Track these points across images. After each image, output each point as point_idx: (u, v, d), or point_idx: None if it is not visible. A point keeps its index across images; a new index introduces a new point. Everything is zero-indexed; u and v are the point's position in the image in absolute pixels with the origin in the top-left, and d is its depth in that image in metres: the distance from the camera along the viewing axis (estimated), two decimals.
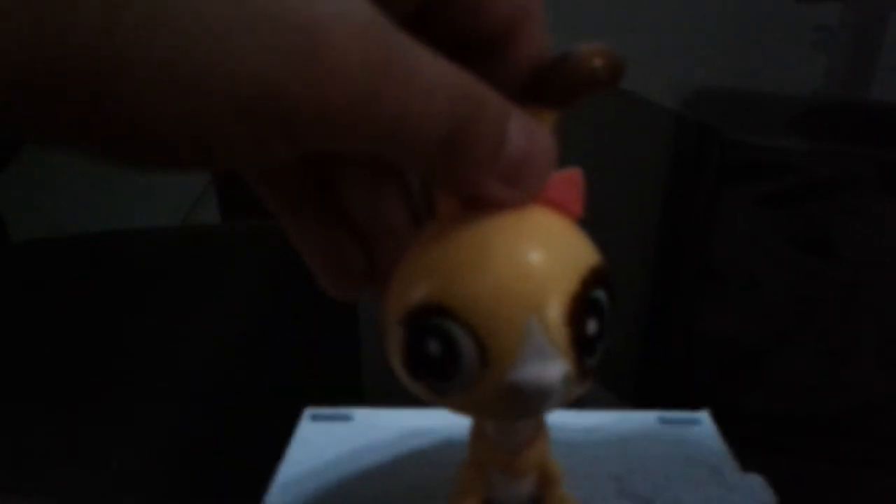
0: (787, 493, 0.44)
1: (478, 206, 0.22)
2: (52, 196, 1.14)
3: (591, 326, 0.22)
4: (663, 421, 0.34)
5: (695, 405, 0.51)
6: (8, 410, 0.43)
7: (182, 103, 0.16)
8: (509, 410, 0.23)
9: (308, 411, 0.34)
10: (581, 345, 0.22)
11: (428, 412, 0.33)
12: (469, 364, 0.21)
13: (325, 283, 0.24)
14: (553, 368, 0.21)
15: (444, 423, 0.30)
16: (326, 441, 0.32)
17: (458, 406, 0.23)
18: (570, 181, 0.23)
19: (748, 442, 0.53)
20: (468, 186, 0.20)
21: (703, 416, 0.34)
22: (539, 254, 0.22)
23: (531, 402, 0.22)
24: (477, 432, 0.27)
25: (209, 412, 0.43)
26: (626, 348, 0.88)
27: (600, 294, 0.22)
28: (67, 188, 1.22)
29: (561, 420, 0.27)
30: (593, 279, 0.22)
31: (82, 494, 0.39)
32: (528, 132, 0.20)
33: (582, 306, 0.22)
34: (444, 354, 0.21)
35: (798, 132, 0.74)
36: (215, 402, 0.44)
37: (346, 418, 0.34)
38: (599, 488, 0.29)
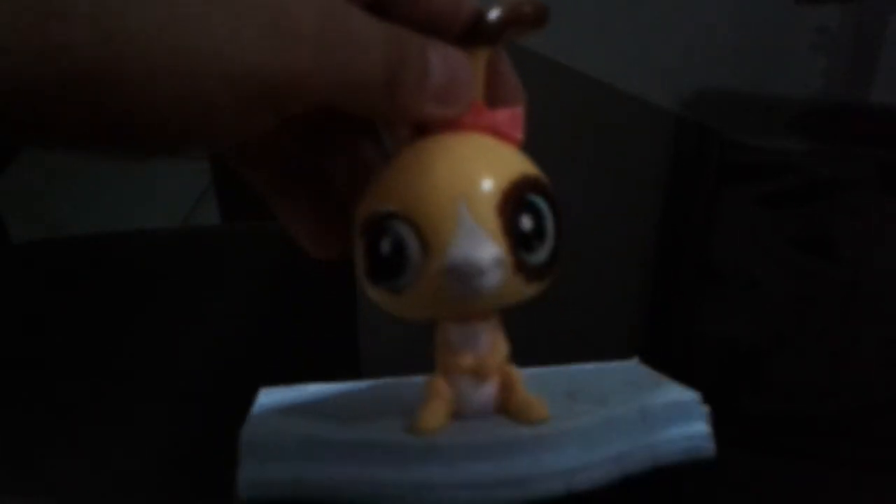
0: (787, 493, 0.44)
1: (427, 135, 0.25)
2: (52, 196, 1.14)
3: (526, 222, 0.25)
4: (598, 365, 0.37)
5: None
6: (8, 410, 0.43)
7: (180, 96, 0.18)
8: (452, 294, 0.26)
9: (262, 391, 0.36)
10: (514, 236, 0.25)
11: (382, 382, 0.35)
12: (413, 255, 0.25)
13: (310, 249, 0.28)
14: (484, 249, 0.24)
15: (397, 386, 0.33)
16: (287, 396, 0.34)
17: (413, 304, 0.26)
18: (510, 114, 0.27)
19: (748, 442, 0.53)
20: (411, 113, 0.24)
21: (635, 361, 0.37)
22: (472, 156, 0.25)
23: (467, 281, 0.25)
24: (441, 341, 0.29)
25: (209, 412, 0.43)
26: (626, 348, 0.88)
27: (537, 199, 0.25)
28: (67, 188, 1.22)
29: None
30: (527, 183, 0.25)
31: (82, 494, 0.39)
32: (446, 57, 0.25)
33: (513, 200, 0.25)
34: (393, 250, 0.25)
35: (798, 133, 0.74)
36: (215, 402, 0.44)
37: (300, 390, 0.36)
38: (555, 403, 0.31)
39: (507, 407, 0.29)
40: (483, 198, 0.25)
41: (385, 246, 0.25)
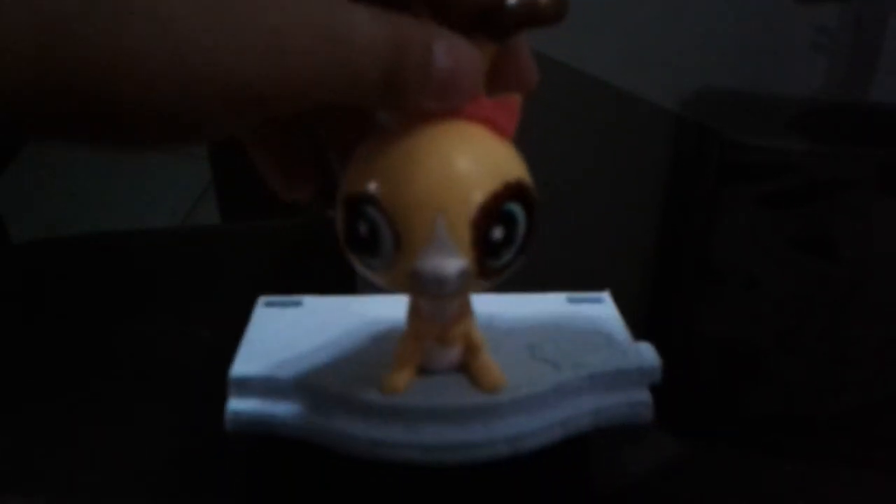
0: (787, 493, 0.44)
1: (418, 116, 0.25)
2: (52, 196, 1.14)
3: (497, 233, 0.26)
4: (571, 300, 0.38)
5: (694, 405, 0.50)
6: (7, 410, 0.43)
7: (179, 101, 0.19)
8: (416, 291, 0.28)
9: (262, 299, 0.38)
10: (484, 248, 0.26)
11: (370, 298, 0.37)
12: (387, 247, 0.25)
13: (278, 191, 0.29)
14: (451, 264, 0.25)
15: (385, 305, 0.34)
16: (280, 322, 0.36)
17: (383, 281, 0.28)
18: (507, 104, 0.26)
19: (748, 442, 0.53)
20: (409, 107, 0.24)
21: (605, 296, 0.38)
22: (457, 162, 0.25)
23: (431, 286, 0.26)
24: (413, 308, 0.31)
25: (209, 412, 0.43)
26: None
27: (514, 207, 0.26)
28: (67, 188, 1.21)
29: (480, 299, 0.31)
30: (506, 192, 0.26)
31: (83, 494, 0.39)
32: (452, 51, 0.24)
33: (489, 215, 0.25)
34: (369, 235, 0.26)
35: (798, 133, 0.74)
36: (215, 402, 0.44)
37: (297, 304, 0.38)
38: (514, 355, 0.33)
39: (468, 367, 0.31)
40: (460, 212, 0.25)
41: (363, 228, 0.26)
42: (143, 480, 0.39)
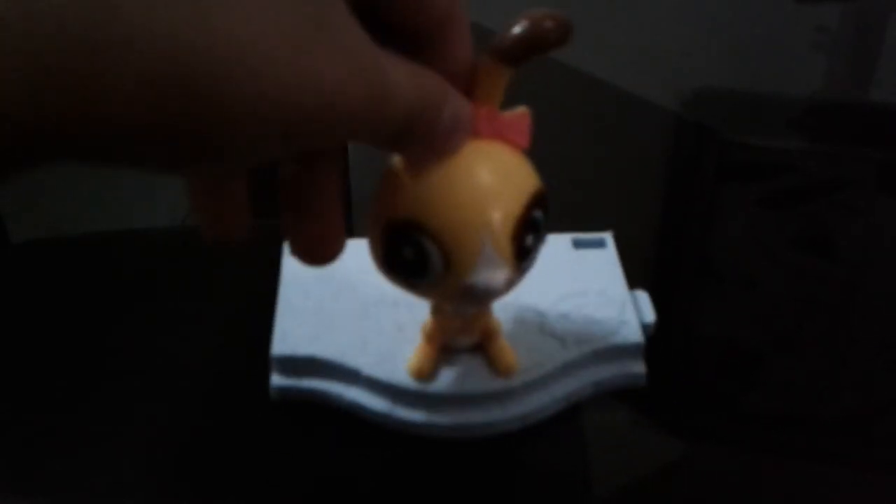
0: (787, 493, 0.44)
1: None
2: (52, 196, 1.14)
3: (529, 240, 0.28)
4: (576, 244, 0.41)
5: (694, 406, 0.50)
6: (7, 411, 0.43)
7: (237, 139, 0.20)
8: (465, 303, 0.31)
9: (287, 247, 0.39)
10: (520, 255, 0.28)
11: None
12: (435, 268, 0.27)
13: (207, 230, 0.29)
14: (499, 274, 0.28)
15: None
16: (309, 279, 0.39)
17: (427, 296, 0.31)
18: (520, 119, 0.28)
19: (748, 443, 0.53)
20: (410, 150, 0.27)
21: (608, 239, 0.42)
22: (491, 184, 0.28)
23: (481, 298, 0.29)
24: (436, 306, 0.34)
25: (209, 412, 0.43)
26: None
27: (538, 214, 0.29)
28: (67, 188, 1.21)
29: None
30: (533, 202, 0.28)
31: (82, 495, 0.39)
32: (456, 112, 0.26)
33: (523, 225, 0.28)
34: (416, 259, 0.28)
35: (798, 133, 0.74)
36: (215, 403, 0.44)
37: None
38: (524, 324, 0.36)
39: (485, 349, 0.34)
40: (502, 228, 0.27)
41: (408, 252, 0.28)
42: (143, 480, 0.39)
